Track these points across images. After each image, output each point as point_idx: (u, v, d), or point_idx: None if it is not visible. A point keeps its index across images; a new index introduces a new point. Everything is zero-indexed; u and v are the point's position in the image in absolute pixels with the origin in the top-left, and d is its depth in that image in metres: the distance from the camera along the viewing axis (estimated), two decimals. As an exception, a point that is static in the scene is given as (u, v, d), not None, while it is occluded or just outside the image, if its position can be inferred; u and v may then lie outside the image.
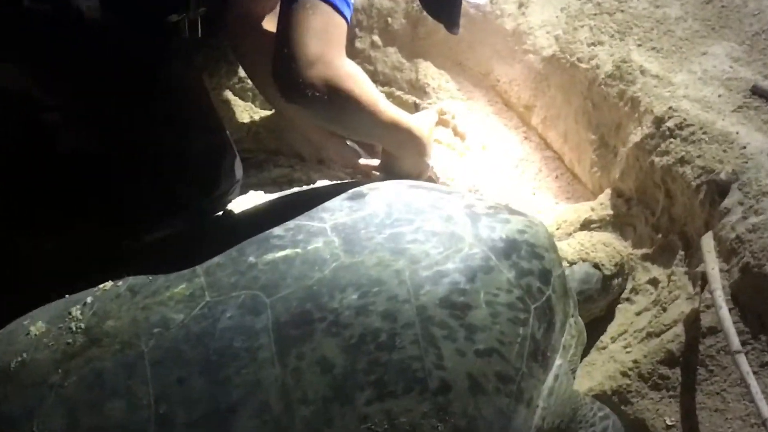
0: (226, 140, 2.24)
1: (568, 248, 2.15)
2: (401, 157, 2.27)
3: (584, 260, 2.14)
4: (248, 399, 1.63)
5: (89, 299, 1.78)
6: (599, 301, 2.17)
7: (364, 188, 1.99)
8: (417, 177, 2.29)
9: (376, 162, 2.44)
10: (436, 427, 1.68)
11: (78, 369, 1.67)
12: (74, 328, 1.73)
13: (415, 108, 2.46)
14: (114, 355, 1.68)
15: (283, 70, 1.93)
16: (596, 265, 2.14)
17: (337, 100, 1.94)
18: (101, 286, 1.80)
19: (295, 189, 2.19)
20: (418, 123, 2.24)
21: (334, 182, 2.31)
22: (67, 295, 1.83)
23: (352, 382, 1.66)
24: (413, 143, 2.24)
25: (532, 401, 1.80)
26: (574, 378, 1.97)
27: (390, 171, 2.29)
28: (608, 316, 2.23)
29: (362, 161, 2.48)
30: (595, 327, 2.19)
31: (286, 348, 1.66)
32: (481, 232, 1.86)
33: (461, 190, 2.40)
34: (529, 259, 1.87)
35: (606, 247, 2.17)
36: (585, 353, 2.12)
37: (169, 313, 1.71)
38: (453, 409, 1.69)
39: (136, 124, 2.01)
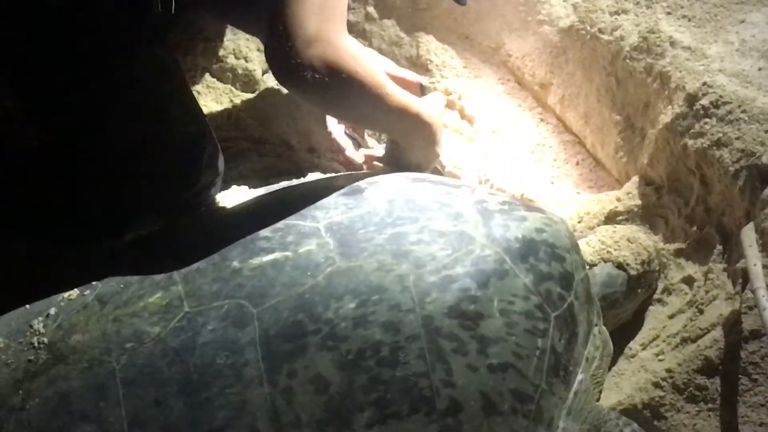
0: (205, 128, 2.11)
1: (587, 247, 2.02)
2: (409, 147, 2.14)
3: (606, 260, 2.01)
4: (233, 423, 1.53)
5: (53, 310, 1.65)
6: (626, 306, 2.04)
7: (362, 183, 1.87)
8: (426, 168, 2.18)
9: (379, 152, 2.32)
10: None
11: (41, 390, 1.55)
12: (36, 344, 1.61)
13: (421, 92, 2.32)
14: (82, 374, 1.56)
15: (278, 50, 1.80)
16: (620, 265, 2.00)
17: (338, 83, 1.81)
18: (66, 295, 1.68)
19: (284, 183, 2.06)
20: (428, 108, 2.11)
21: (328, 176, 2.18)
22: (27, 306, 1.70)
23: (350, 402, 1.55)
24: (423, 131, 2.10)
25: (553, 422, 1.70)
26: (600, 393, 1.88)
27: (396, 162, 2.16)
28: (637, 321, 2.11)
29: (364, 151, 2.37)
30: (623, 333, 2.08)
31: (275, 364, 1.55)
32: (494, 231, 1.75)
33: (471, 183, 2.29)
34: (549, 262, 1.76)
35: (631, 243, 2.03)
36: (612, 363, 2.02)
37: (143, 325, 1.60)
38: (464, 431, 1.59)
39: (103, 112, 1.88)
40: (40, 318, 1.64)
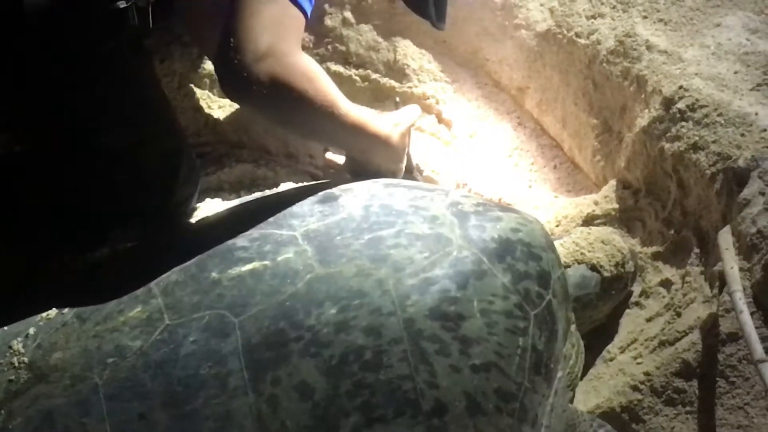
0: (182, 143, 2.09)
1: (561, 249, 2.00)
2: (368, 164, 2.09)
3: (580, 262, 1.99)
4: None
5: (32, 330, 1.64)
6: (600, 308, 2.03)
7: (335, 190, 1.86)
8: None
9: (341, 160, 2.27)
10: None
11: (23, 409, 1.53)
12: (16, 364, 1.59)
13: (395, 107, 2.30)
14: (64, 391, 1.54)
15: (227, 63, 1.76)
16: (594, 267, 1.99)
17: (287, 101, 1.78)
18: (44, 314, 1.66)
19: (257, 194, 2.04)
20: (388, 127, 2.05)
21: (301, 184, 2.16)
22: (5, 327, 1.68)
23: (335, 407, 1.54)
24: (381, 151, 2.06)
25: (537, 420, 1.69)
26: (573, 393, 1.87)
27: (357, 173, 2.11)
28: (615, 324, 2.11)
29: (328, 155, 2.31)
30: (601, 337, 2.09)
31: (259, 373, 1.54)
32: (471, 232, 1.75)
33: (446, 187, 2.28)
34: (526, 261, 1.76)
35: (605, 245, 2.02)
36: (590, 366, 2.02)
37: (124, 340, 1.58)
38: None
39: (79, 124, 1.87)
40: (18, 339, 1.63)
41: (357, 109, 1.94)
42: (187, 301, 1.61)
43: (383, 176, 2.05)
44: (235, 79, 1.76)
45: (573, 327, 1.84)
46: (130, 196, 1.95)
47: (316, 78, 1.83)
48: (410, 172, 2.23)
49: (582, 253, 2.00)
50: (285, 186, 2.23)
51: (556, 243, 2.01)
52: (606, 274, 1.99)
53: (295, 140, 2.45)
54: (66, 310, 1.66)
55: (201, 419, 1.51)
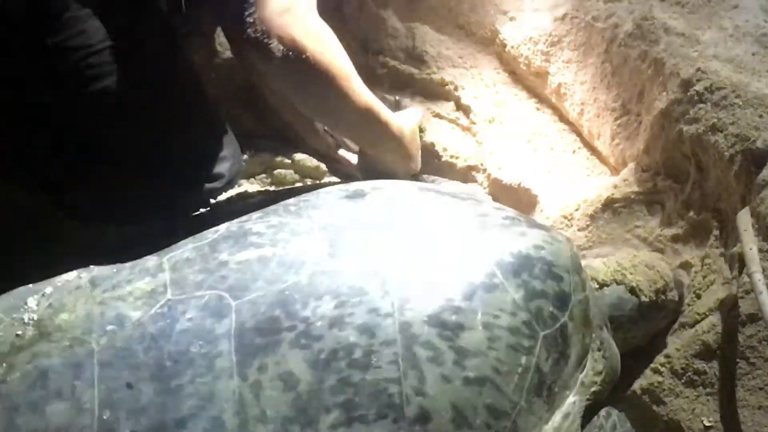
0: (222, 132, 2.08)
1: (602, 267, 1.97)
2: (378, 158, 2.08)
3: (619, 282, 1.95)
4: (200, 412, 1.50)
5: (48, 289, 1.66)
6: (635, 332, 1.99)
7: (365, 187, 1.86)
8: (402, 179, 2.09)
9: (353, 157, 2.27)
10: None
11: (22, 364, 1.55)
12: (26, 320, 1.62)
13: (396, 106, 2.32)
14: (62, 352, 1.56)
15: (244, 18, 1.77)
16: (633, 290, 1.94)
17: (300, 63, 1.78)
18: (64, 276, 1.70)
19: (287, 187, 2.03)
20: (399, 120, 2.04)
21: (333, 180, 2.18)
22: (30, 285, 1.72)
23: (317, 401, 1.52)
24: (392, 143, 2.04)
25: None
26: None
27: (368, 173, 2.10)
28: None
29: (341, 152, 2.33)
30: (641, 355, 2.05)
31: (247, 358, 1.53)
32: (490, 244, 1.72)
33: (480, 197, 2.27)
34: (544, 280, 1.70)
35: (648, 269, 1.98)
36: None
37: (126, 309, 1.59)
38: None
39: (130, 111, 1.89)
40: (35, 296, 1.66)
41: (370, 94, 1.92)
42: (192, 278, 1.62)
43: (395, 177, 2.03)
44: (251, 34, 1.77)
45: (600, 354, 1.79)
46: (162, 179, 1.96)
47: (332, 46, 1.83)
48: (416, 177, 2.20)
49: (623, 274, 1.96)
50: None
51: (599, 261, 1.99)
52: (644, 298, 1.94)
53: (312, 135, 2.44)
54: (84, 273, 1.69)
55: (184, 396, 1.51)
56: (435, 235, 1.70)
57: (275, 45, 1.75)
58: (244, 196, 2.12)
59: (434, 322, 1.57)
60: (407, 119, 2.12)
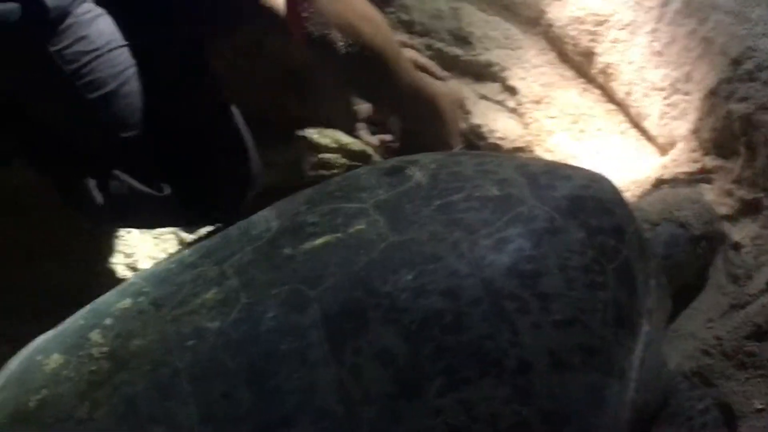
0: (248, 147, 2.13)
1: (649, 207, 2.03)
2: (421, 133, 2.17)
3: (669, 220, 2.00)
4: (304, 407, 1.50)
5: (108, 321, 1.64)
6: (692, 265, 2.04)
7: (401, 162, 1.86)
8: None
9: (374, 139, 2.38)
10: (519, 413, 1.54)
11: (107, 398, 1.53)
12: (96, 354, 1.59)
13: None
14: (145, 377, 1.54)
15: (299, 17, 1.89)
16: (683, 225, 2.00)
17: (359, 48, 1.92)
18: (119, 305, 1.68)
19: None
20: (445, 92, 2.16)
21: (366, 166, 2.19)
22: (81, 320, 1.71)
23: (418, 372, 1.52)
24: (435, 118, 2.14)
25: (625, 374, 1.66)
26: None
27: (410, 149, 2.14)
28: (701, 282, 2.09)
29: (380, 136, 2.40)
30: (689, 294, 2.07)
31: (339, 343, 1.52)
32: (541, 191, 1.74)
33: (510, 155, 2.32)
34: (599, 216, 1.74)
35: (693, 204, 2.04)
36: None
37: (202, 322, 1.57)
38: (536, 390, 1.56)
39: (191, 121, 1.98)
40: (96, 330, 1.63)
41: (415, 71, 2.04)
42: (263, 278, 1.61)
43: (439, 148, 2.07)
44: (314, 34, 1.90)
45: (655, 281, 1.81)
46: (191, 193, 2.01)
47: (383, 27, 2.00)
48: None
49: (670, 212, 2.00)
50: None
51: (645, 201, 2.05)
52: (695, 231, 1.99)
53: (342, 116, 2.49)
54: (140, 298, 1.67)
55: (285, 393, 1.50)
56: (485, 192, 1.72)
57: (335, 34, 1.87)
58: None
59: (513, 274, 1.60)
60: (449, 95, 2.22)
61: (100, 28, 1.89)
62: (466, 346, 1.54)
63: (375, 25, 1.99)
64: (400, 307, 1.54)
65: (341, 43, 1.94)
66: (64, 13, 1.82)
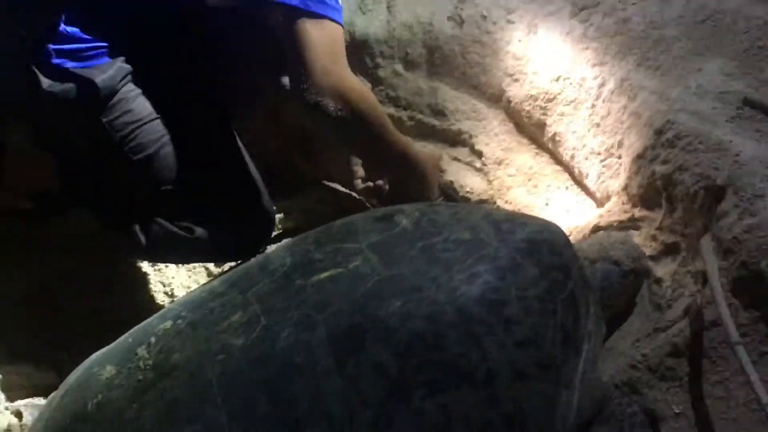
0: (262, 195, 2.43)
1: (588, 248, 2.16)
2: (405, 188, 2.39)
3: (605, 258, 2.17)
4: (313, 411, 1.69)
5: (152, 339, 1.85)
6: (621, 296, 2.21)
7: (389, 212, 2.05)
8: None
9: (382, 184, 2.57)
10: (487, 415, 1.75)
11: (152, 402, 1.73)
12: (143, 366, 1.80)
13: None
14: (184, 385, 1.74)
15: (301, 85, 2.12)
16: (615, 262, 2.17)
17: (349, 115, 2.15)
18: (161, 327, 1.88)
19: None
20: (424, 157, 2.41)
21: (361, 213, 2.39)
22: (129, 339, 1.93)
23: (406, 383, 1.72)
24: (418, 175, 2.37)
25: (571, 383, 1.85)
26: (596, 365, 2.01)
27: (395, 201, 2.36)
28: (628, 309, 2.26)
29: (370, 183, 2.63)
30: (617, 319, 2.24)
31: (342, 358, 1.72)
32: (504, 236, 1.92)
33: (478, 205, 2.55)
34: (550, 256, 1.92)
35: (624, 245, 2.21)
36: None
37: (230, 339, 1.77)
38: (501, 397, 1.76)
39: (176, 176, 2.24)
40: (143, 346, 1.85)
41: (401, 135, 2.27)
42: (279, 305, 1.80)
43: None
44: (309, 95, 2.14)
45: (593, 309, 1.97)
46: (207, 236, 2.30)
47: (368, 95, 2.22)
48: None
49: (606, 252, 2.17)
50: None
51: (585, 243, 2.24)
52: (626, 268, 2.16)
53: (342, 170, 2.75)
54: (179, 320, 1.87)
55: (297, 400, 1.69)
56: (459, 236, 1.91)
57: (328, 102, 2.11)
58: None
59: (482, 302, 1.79)
60: (429, 157, 2.47)
61: (142, 103, 2.17)
62: (444, 361, 1.74)
63: (361, 95, 2.21)
64: (390, 329, 1.74)
65: (332, 108, 2.18)
66: (113, 92, 2.11)
